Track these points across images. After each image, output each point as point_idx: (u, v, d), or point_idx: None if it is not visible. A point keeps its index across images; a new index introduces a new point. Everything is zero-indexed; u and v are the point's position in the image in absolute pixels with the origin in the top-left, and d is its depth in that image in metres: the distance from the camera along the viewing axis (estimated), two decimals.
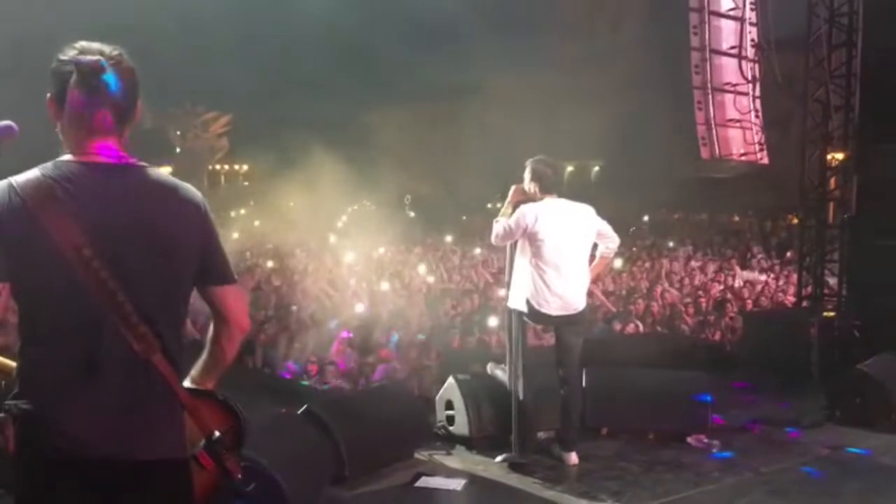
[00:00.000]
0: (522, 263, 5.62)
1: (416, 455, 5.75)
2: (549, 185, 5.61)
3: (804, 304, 10.14)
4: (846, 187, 9.61)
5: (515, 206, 5.66)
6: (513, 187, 5.77)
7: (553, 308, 5.52)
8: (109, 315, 2.06)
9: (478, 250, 17.20)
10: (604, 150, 28.01)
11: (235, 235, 16.68)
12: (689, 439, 6.27)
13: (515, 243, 5.73)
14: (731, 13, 11.69)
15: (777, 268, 16.00)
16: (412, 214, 27.38)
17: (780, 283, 14.18)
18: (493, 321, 9.86)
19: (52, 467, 2.03)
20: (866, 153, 9.08)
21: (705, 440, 6.25)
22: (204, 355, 2.35)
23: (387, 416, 5.63)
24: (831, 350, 8.62)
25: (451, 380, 6.24)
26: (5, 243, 2.03)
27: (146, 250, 2.12)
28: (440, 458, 5.79)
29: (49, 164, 2.12)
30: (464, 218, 22.52)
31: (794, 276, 11.40)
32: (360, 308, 10.09)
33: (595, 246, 5.79)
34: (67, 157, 2.14)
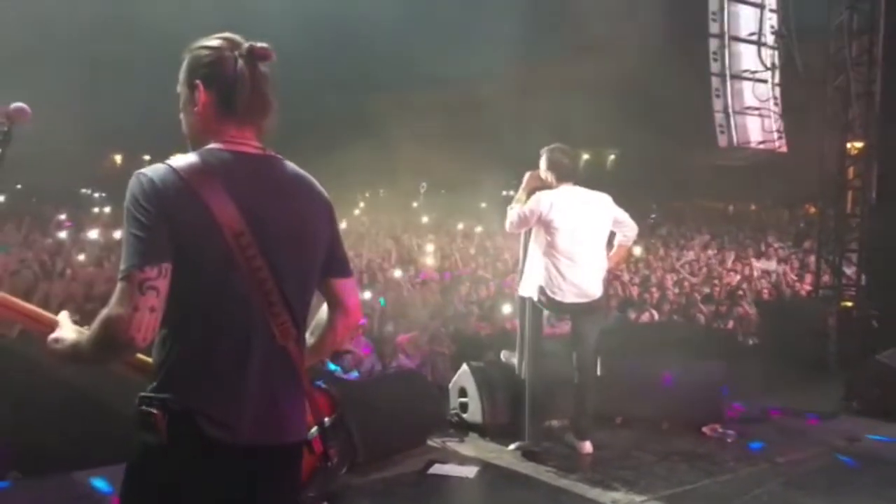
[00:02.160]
0: (536, 251, 5.59)
1: (429, 442, 5.75)
2: (566, 173, 5.59)
3: (821, 293, 10.05)
4: (866, 176, 9.50)
5: (530, 194, 5.63)
6: (527, 174, 5.74)
7: (567, 296, 5.49)
8: (259, 302, 2.09)
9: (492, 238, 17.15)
10: (620, 138, 27.83)
11: None
12: (704, 429, 6.24)
13: (529, 231, 5.70)
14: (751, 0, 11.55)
15: (794, 257, 15.87)
16: (418, 201, 27.34)
17: (797, 272, 14.07)
18: (507, 308, 9.83)
19: (202, 456, 2.03)
20: (887, 142, 8.97)
21: (720, 430, 6.22)
22: (312, 339, 2.37)
23: (400, 403, 5.63)
24: (849, 340, 8.55)
25: (464, 367, 6.23)
26: (170, 221, 2.00)
27: (292, 240, 2.17)
28: (453, 445, 5.78)
29: (202, 151, 2.14)
30: (483, 205, 22.47)
31: (811, 266, 11.30)
32: (368, 296, 10.07)
33: (613, 235, 5.75)
34: (215, 145, 2.15)
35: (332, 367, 8.15)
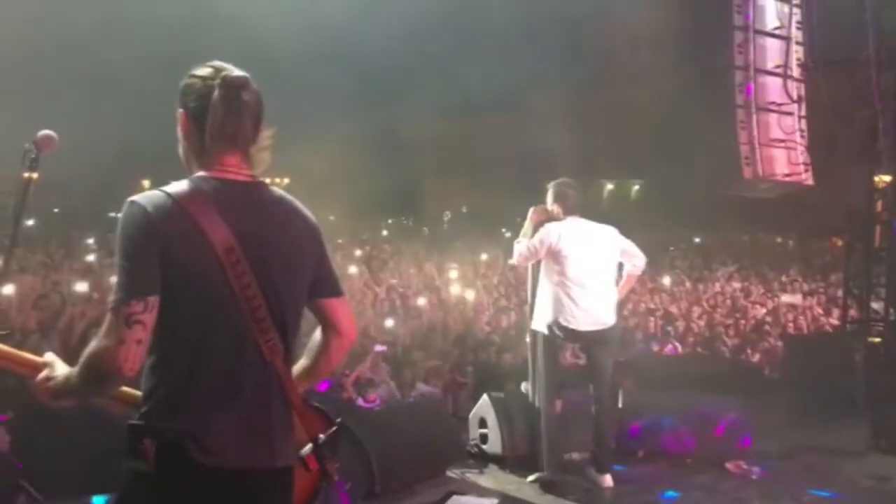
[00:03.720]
0: (547, 283, 5.64)
1: (448, 473, 5.71)
2: (572, 206, 5.74)
3: (849, 328, 9.90)
4: (894, 209, 9.39)
5: (536, 227, 5.72)
6: (532, 209, 5.90)
7: (582, 323, 5.51)
8: (248, 323, 2.11)
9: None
10: (644, 169, 27.78)
11: None
12: (727, 465, 6.15)
13: (537, 265, 5.76)
14: (777, 32, 11.49)
15: (821, 291, 15.67)
16: (450, 229, 27.41)
17: (824, 306, 13.88)
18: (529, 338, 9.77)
19: (191, 482, 2.05)
20: None
21: (744, 466, 6.12)
22: (306, 362, 2.39)
23: (420, 433, 5.61)
24: (878, 377, 8.39)
25: (484, 397, 6.21)
26: (163, 248, 2.04)
27: (282, 263, 2.20)
28: (472, 476, 5.75)
29: (193, 178, 2.18)
30: (505, 233, 22.48)
31: (838, 300, 11.15)
32: (390, 323, 10.07)
33: (622, 266, 5.78)
34: (203, 173, 2.19)
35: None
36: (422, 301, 12.69)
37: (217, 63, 2.23)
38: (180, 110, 2.23)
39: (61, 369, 2.20)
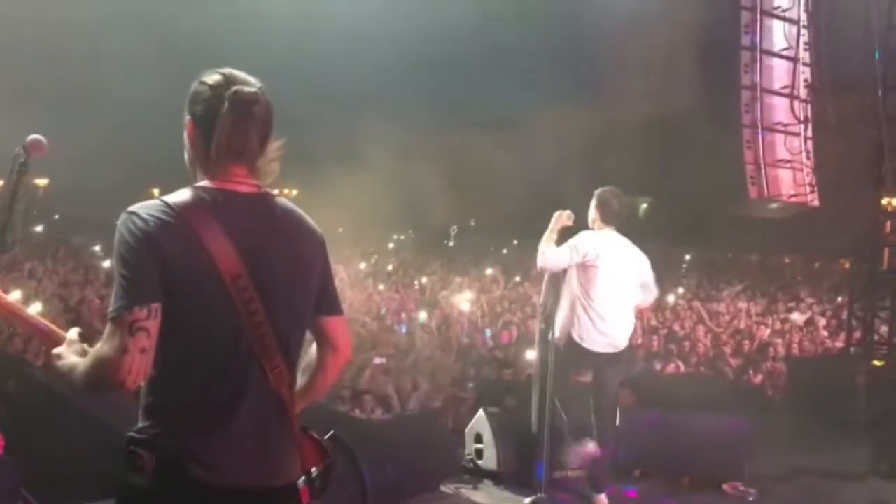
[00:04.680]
0: (569, 296, 5.48)
1: (442, 488, 5.67)
2: (611, 216, 5.53)
3: (852, 351, 9.83)
4: None
5: (559, 233, 5.52)
6: (556, 213, 5.58)
7: (597, 345, 5.40)
8: (254, 345, 2.05)
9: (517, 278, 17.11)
10: (652, 187, 27.76)
11: None
12: (724, 486, 6.10)
13: (556, 273, 5.56)
14: (785, 53, 11.51)
15: (827, 312, 15.59)
16: (456, 244, 27.40)
17: (829, 327, 13.80)
18: (531, 354, 9.73)
19: (189, 499, 2.01)
20: None
21: (741, 488, 6.06)
22: (302, 381, 2.31)
23: (415, 447, 5.57)
24: (879, 400, 8.32)
25: (481, 412, 6.17)
26: (163, 260, 1.97)
27: (288, 282, 2.14)
28: (467, 492, 5.71)
29: (195, 188, 2.11)
30: (515, 242, 22.44)
31: (844, 322, 11.08)
32: (392, 335, 10.06)
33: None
34: (207, 183, 2.12)
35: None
36: (424, 315, 12.68)
37: (227, 71, 2.16)
38: (187, 117, 2.16)
39: (74, 354, 2.13)
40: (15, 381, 5.89)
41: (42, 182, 32.05)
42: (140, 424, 2.06)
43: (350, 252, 19.62)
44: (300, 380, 2.31)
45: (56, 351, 2.16)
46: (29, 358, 7.16)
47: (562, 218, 5.57)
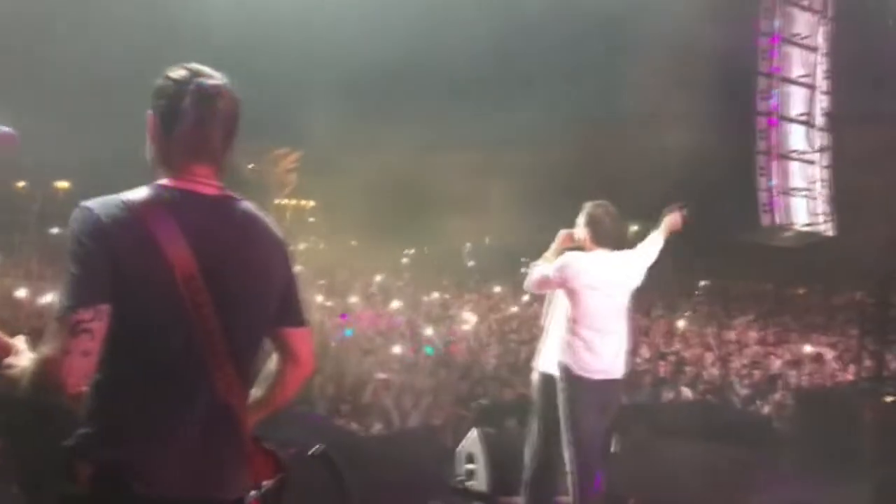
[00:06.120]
0: (560, 322, 5.22)
1: None
2: (602, 235, 4.92)
3: (861, 385, 9.67)
4: None
5: (561, 254, 5.25)
6: (561, 232, 5.21)
7: (594, 374, 5.07)
8: (204, 353, 1.98)
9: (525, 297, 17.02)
10: (665, 213, 27.58)
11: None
12: None
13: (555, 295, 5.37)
14: (803, 80, 11.44)
15: (839, 345, 15.38)
16: (471, 263, 27.37)
17: (840, 360, 13.61)
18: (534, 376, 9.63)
19: None
20: None
21: None
22: (259, 392, 2.23)
23: (406, 464, 5.50)
24: (886, 436, 8.14)
25: (474, 432, 6.03)
26: (114, 260, 1.89)
27: (244, 288, 2.06)
28: None
29: (154, 186, 2.04)
30: (524, 260, 22.37)
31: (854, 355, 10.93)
32: (396, 351, 10.01)
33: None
34: (167, 181, 2.05)
35: None
36: (431, 331, 12.63)
37: (194, 65, 2.09)
38: (149, 112, 2.08)
39: (22, 359, 2.07)
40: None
41: (63, 185, 32.36)
42: (80, 431, 1.98)
43: (362, 265, 19.64)
44: (257, 391, 2.23)
45: (6, 361, 2.09)
46: None
47: (566, 238, 5.31)
